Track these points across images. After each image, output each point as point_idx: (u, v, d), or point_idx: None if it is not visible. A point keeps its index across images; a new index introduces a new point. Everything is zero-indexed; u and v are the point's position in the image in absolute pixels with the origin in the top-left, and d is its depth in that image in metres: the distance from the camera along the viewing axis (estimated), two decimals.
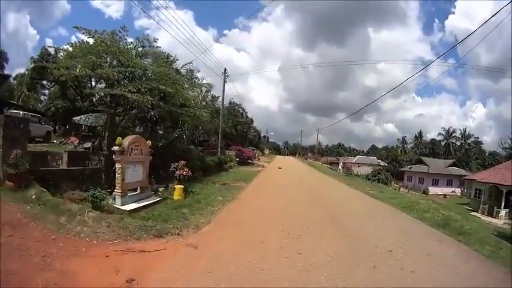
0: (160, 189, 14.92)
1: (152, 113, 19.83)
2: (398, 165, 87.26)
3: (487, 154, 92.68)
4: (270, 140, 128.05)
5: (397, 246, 9.81)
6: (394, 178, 63.18)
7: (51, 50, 28.61)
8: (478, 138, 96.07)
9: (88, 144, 20.61)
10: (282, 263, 8.03)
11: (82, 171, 13.35)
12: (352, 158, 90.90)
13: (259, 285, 6.79)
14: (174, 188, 14.11)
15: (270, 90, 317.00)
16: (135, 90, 14.87)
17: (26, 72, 33.55)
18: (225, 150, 39.67)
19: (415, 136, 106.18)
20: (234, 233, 10.26)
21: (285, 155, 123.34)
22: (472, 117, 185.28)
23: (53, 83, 32.92)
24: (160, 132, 23.20)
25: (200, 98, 32.51)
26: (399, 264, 8.23)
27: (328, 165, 72.35)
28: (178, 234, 9.38)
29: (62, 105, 32.96)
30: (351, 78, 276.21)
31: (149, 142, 13.49)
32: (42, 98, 44.53)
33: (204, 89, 33.80)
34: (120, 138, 11.71)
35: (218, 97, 44.34)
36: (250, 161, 46.62)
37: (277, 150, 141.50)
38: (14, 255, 6.65)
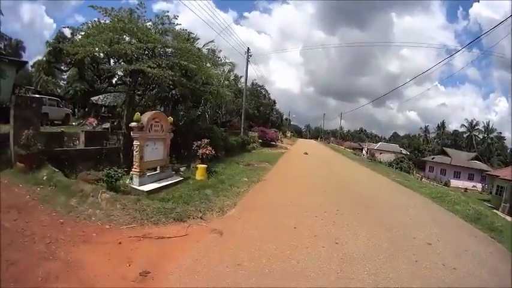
0: (182, 169, 13.99)
1: (174, 92, 18.84)
2: (420, 154, 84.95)
3: (508, 151, 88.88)
4: (291, 122, 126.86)
5: (434, 239, 8.90)
6: (416, 167, 61.46)
7: (67, 33, 27.86)
8: (500, 133, 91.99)
9: (107, 125, 19.98)
10: (319, 253, 7.01)
11: (99, 151, 12.58)
12: (374, 144, 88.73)
13: (298, 281, 5.73)
14: (197, 168, 13.22)
15: (292, 73, 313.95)
16: (155, 65, 13.89)
17: (44, 58, 33.02)
18: (247, 131, 38.73)
19: (438, 126, 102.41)
20: (262, 218, 9.23)
21: (306, 138, 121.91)
22: (495, 111, 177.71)
23: (71, 66, 32.31)
24: (182, 113, 22.27)
25: (223, 77, 31.39)
26: (440, 260, 7.32)
27: (351, 150, 70.74)
28: (201, 218, 8.37)
29: (80, 88, 32.49)
30: (373, 63, 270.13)
31: (170, 118, 12.50)
32: (61, 82, 44.42)
33: (226, 68, 32.62)
34: (139, 114, 10.69)
35: (241, 77, 43.18)
36: (273, 143, 45.45)
37: (298, 133, 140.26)
38: (17, 242, 5.81)
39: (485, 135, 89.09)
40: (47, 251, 5.69)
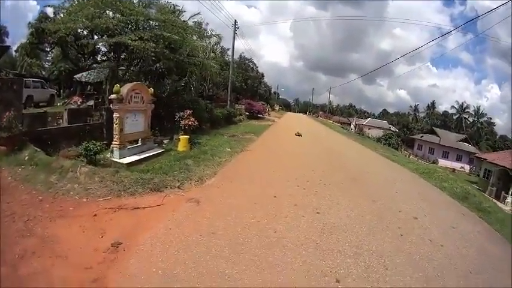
0: (165, 141, 13.76)
1: (158, 65, 18.24)
2: (409, 132, 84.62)
3: (497, 137, 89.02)
4: (280, 96, 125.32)
5: (421, 213, 8.78)
6: (404, 145, 61.46)
7: (50, 12, 26.62)
8: (490, 118, 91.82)
9: (91, 102, 19.47)
10: (298, 223, 6.94)
11: (82, 127, 12.25)
12: (363, 120, 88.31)
13: (273, 250, 5.66)
14: (179, 139, 12.95)
15: (281, 47, 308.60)
16: (137, 38, 13.42)
17: (27, 40, 31.70)
18: (234, 104, 38.17)
19: (428, 106, 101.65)
20: (242, 187, 9.11)
21: (295, 112, 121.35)
22: (486, 96, 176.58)
23: (54, 46, 31.10)
24: (167, 87, 21.72)
25: (209, 50, 30.49)
26: (427, 235, 7.22)
27: (340, 125, 70.54)
28: (178, 188, 8.22)
29: (64, 67, 31.49)
30: (365, 40, 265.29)
31: (151, 90, 12.09)
32: (45, 64, 42.92)
33: (213, 41, 31.69)
34: (118, 86, 10.36)
35: (228, 49, 42.06)
36: (261, 116, 45.01)
37: (287, 107, 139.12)
38: None
39: (475, 119, 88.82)
40: (25, 228, 5.55)
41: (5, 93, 9.30)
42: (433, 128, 72.23)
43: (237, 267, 5.05)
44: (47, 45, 32.24)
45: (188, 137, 13.10)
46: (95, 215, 6.25)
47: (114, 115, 10.27)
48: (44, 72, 40.00)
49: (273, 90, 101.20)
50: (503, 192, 25.95)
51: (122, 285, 4.39)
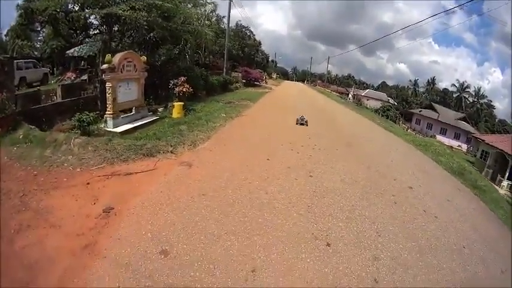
0: (160, 109, 13.61)
1: (151, 35, 17.67)
2: (407, 106, 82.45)
3: (496, 120, 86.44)
4: (278, 65, 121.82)
5: (416, 184, 8.66)
6: (402, 118, 60.23)
7: None
8: (491, 101, 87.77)
9: (85, 76, 19.09)
10: (290, 185, 6.91)
11: (76, 101, 12.03)
12: (362, 91, 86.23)
13: (263, 211, 5.65)
14: (173, 106, 12.79)
15: (279, 16, 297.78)
16: (129, 8, 12.96)
17: (16, 22, 30.63)
18: (231, 72, 37.42)
19: (428, 81, 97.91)
20: (235, 150, 9.06)
21: (293, 81, 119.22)
22: (488, 79, 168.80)
23: (44, 24, 30.09)
24: (161, 56, 21.17)
25: (204, 17, 29.49)
26: (421, 205, 7.14)
27: (338, 94, 69.26)
28: (171, 152, 8.16)
29: (56, 45, 30.47)
30: (366, 11, 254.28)
31: (144, 58, 11.83)
32: (37, 44, 41.76)
33: (208, 8, 30.54)
34: (110, 56, 10.10)
35: (224, 17, 40.64)
36: (258, 83, 44.03)
37: (285, 75, 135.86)
38: None
39: (476, 100, 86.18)
40: (20, 203, 5.53)
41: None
42: (432, 103, 70.29)
43: (226, 228, 5.07)
44: (37, 24, 31.20)
45: (182, 103, 12.91)
46: (88, 183, 6.21)
47: (106, 85, 10.08)
48: (36, 53, 39.04)
49: (270, 59, 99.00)
50: (499, 176, 25.54)
51: (112, 248, 4.43)
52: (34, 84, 21.09)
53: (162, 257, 4.36)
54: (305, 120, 14.47)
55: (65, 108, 11.33)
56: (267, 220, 5.39)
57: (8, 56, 28.76)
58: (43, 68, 24.71)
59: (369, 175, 8.52)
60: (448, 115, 61.07)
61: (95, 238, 4.65)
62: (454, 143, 53.60)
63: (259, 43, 70.46)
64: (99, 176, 6.48)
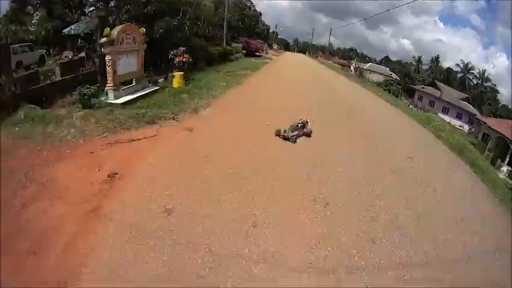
0: (160, 80, 13.38)
1: (149, 8, 17.23)
2: (410, 81, 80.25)
3: (500, 105, 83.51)
4: (279, 36, 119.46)
5: (416, 155, 8.46)
6: (404, 93, 58.63)
7: None
8: (495, 85, 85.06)
9: (83, 54, 18.79)
10: (290, 148, 7.03)
11: (75, 78, 11.87)
12: (364, 64, 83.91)
13: (262, 174, 5.70)
14: (174, 76, 12.48)
15: None
16: None
17: (8, 8, 29.92)
18: (231, 42, 36.67)
19: (432, 59, 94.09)
20: (236, 116, 9.04)
21: (294, 52, 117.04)
22: (493, 63, 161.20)
23: (38, 6, 29.46)
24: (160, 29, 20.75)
25: None
26: (419, 176, 7.06)
27: (340, 66, 67.76)
28: (173, 119, 8.13)
29: (51, 26, 29.95)
30: None
31: (143, 29, 11.52)
32: (32, 28, 41.11)
33: None
34: (108, 29, 9.84)
35: None
36: (258, 54, 43.07)
37: (286, 46, 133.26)
38: None
39: (480, 82, 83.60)
40: (25, 179, 5.49)
41: None
42: (435, 81, 68.32)
43: (227, 189, 5.10)
44: (30, 8, 30.59)
45: (182, 73, 12.72)
46: (92, 152, 6.20)
47: (106, 58, 9.92)
48: (30, 36, 38.52)
49: (271, 30, 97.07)
50: (499, 160, 24.93)
51: (117, 211, 4.45)
52: (31, 67, 20.89)
53: (166, 215, 4.39)
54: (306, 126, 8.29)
55: (65, 86, 11.19)
56: (267, 182, 5.41)
57: (2, 43, 28.54)
58: (39, 51, 24.38)
59: (369, 144, 8.45)
60: (451, 94, 59.33)
61: (100, 203, 4.67)
62: (456, 123, 52.45)
63: (260, 14, 68.79)
64: (102, 145, 6.45)
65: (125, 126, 7.34)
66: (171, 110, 8.59)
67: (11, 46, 18.68)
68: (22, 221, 4.40)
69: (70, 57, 17.99)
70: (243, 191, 5.09)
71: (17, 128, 7.82)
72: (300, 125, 7.85)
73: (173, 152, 6.15)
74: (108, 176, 5.24)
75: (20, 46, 21.53)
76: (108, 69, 9.83)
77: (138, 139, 6.65)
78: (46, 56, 24.78)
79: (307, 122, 7.99)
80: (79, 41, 24.66)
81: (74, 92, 9.28)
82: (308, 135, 7.80)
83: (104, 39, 9.66)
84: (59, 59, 20.20)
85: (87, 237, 4.08)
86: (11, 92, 8.84)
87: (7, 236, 4.10)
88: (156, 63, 14.59)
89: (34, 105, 8.98)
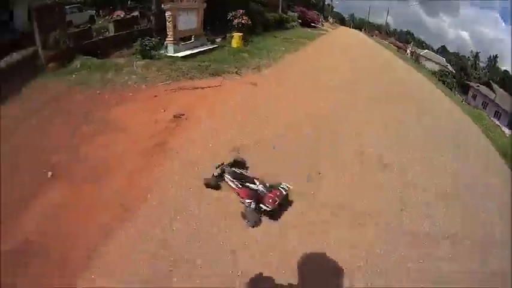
0: (218, 40, 13.63)
1: None
2: (466, 77, 74.96)
3: None
4: (334, 10, 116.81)
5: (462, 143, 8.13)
6: (459, 88, 54.95)
7: None
8: None
9: (136, 13, 19.44)
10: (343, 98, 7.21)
11: (130, 34, 12.34)
12: (420, 50, 79.62)
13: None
14: (232, 36, 12.87)
15: None
16: None
17: None
18: (286, 10, 36.35)
19: (490, 58, 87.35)
20: (298, 77, 9.17)
21: (349, 27, 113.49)
22: None
23: None
24: None
25: None
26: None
27: (395, 48, 64.94)
28: (236, 73, 8.39)
29: None
30: None
31: None
32: None
33: None
34: None
35: None
36: (313, 25, 42.45)
37: (341, 21, 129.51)
38: (54, 122, 6.00)
39: None
40: (84, 119, 5.93)
41: (47, 17, 9.48)
42: (491, 81, 63.29)
43: (288, 136, 5.43)
44: None
45: (242, 34, 12.91)
46: (155, 96, 6.57)
47: (166, 14, 10.35)
48: None
49: (326, 2, 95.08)
50: None
51: (183, 149, 4.79)
52: (81, 27, 21.96)
53: (234, 153, 4.68)
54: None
55: (119, 41, 11.71)
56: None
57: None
58: (88, 11, 25.57)
59: (424, 125, 8.24)
60: (506, 100, 55.17)
61: (166, 139, 5.00)
62: (507, 131, 48.45)
63: None
64: (165, 91, 6.81)
65: (188, 75, 7.67)
66: (233, 65, 8.84)
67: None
68: (81, 153, 4.81)
69: (122, 16, 18.70)
70: (299, 141, 5.35)
71: (73, 76, 8.38)
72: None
73: (238, 100, 6.41)
74: (174, 116, 5.56)
75: (69, 8, 22.57)
76: (169, 24, 10.25)
77: (202, 87, 6.93)
78: (95, 17, 25.92)
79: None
80: (129, 2, 25.55)
81: (133, 44, 9.77)
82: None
83: None
84: (110, 18, 21.06)
85: (151, 170, 4.40)
86: (66, 45, 9.39)
87: (65, 164, 4.56)
88: (213, 23, 14.84)
89: (90, 57, 9.54)
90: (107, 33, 13.68)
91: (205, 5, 11.87)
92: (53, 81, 8.22)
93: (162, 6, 10.26)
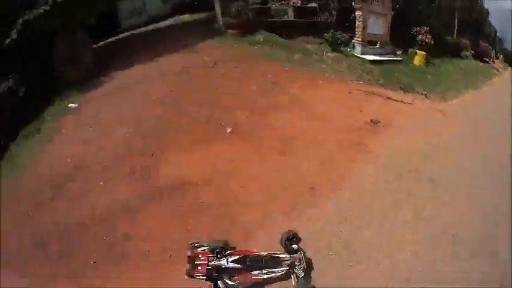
0: (398, 52, 13.40)
1: None
2: None
3: None
4: (503, 46, 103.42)
5: None
6: None
7: None
8: None
9: (313, 4, 19.93)
10: None
11: (310, 23, 12.82)
12: None
13: None
14: (415, 53, 12.45)
15: None
16: None
17: None
18: (459, 37, 33.78)
19: None
20: (484, 117, 8.29)
21: None
22: None
23: None
24: None
25: None
26: None
27: None
28: (425, 96, 8.27)
29: None
30: None
31: None
32: None
33: None
34: None
35: None
36: (486, 60, 38.48)
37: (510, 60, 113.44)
38: (242, 82, 6.79)
39: None
40: (272, 88, 6.51)
41: None
42: None
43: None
44: None
45: (425, 53, 12.48)
46: (349, 92, 6.81)
47: (356, 13, 10.73)
48: None
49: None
50: None
51: (378, 152, 5.01)
52: (256, 6, 23.15)
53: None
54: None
55: (299, 27, 12.16)
56: None
57: None
58: None
59: None
60: None
61: (364, 140, 5.23)
62: None
63: (488, 12, 60.21)
64: (358, 90, 7.05)
65: (380, 82, 7.87)
66: (420, 86, 8.77)
67: None
68: (268, 120, 5.40)
69: (299, 4, 19.33)
70: None
71: (256, 47, 9.08)
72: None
73: (427, 123, 6.42)
74: (371, 120, 5.77)
75: None
76: (358, 23, 10.58)
77: (395, 100, 7.04)
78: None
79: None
80: None
81: (322, 35, 10.32)
82: None
83: None
84: (287, 3, 21.92)
85: (346, 164, 4.71)
86: (247, 17, 10.21)
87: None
88: (396, 34, 14.61)
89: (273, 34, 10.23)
90: (286, 16, 14.32)
91: (392, 13, 11.81)
92: (233, 47, 9.03)
93: (353, 4, 10.72)
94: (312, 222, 3.78)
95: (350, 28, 11.13)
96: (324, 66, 8.22)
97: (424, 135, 5.92)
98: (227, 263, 3.40)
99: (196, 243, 3.62)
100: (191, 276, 3.40)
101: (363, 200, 4.12)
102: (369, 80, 7.76)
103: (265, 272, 3.39)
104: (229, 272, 3.38)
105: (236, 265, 3.39)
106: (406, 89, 7.93)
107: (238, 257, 3.43)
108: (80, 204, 4.51)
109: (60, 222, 4.30)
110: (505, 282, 3.47)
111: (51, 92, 7.28)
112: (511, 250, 4.09)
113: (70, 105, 6.96)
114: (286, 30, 11.56)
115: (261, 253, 3.47)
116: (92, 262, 3.58)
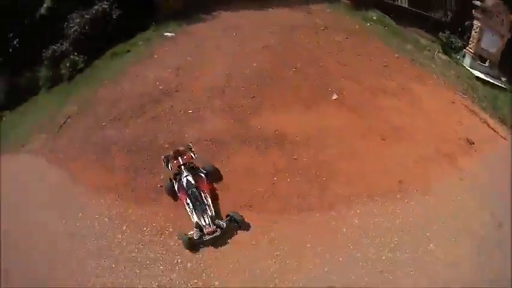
0: (503, 79, 12.83)
1: None
2: None
3: None
4: None
5: None
6: None
7: None
8: None
9: None
10: None
11: (425, 16, 12.36)
12: None
13: None
14: None
15: None
16: None
17: None
18: None
19: None
20: None
21: None
22: None
23: None
24: None
25: None
26: None
27: None
28: None
29: None
30: None
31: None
32: None
33: None
34: None
35: None
36: None
37: None
38: (354, 52, 7.05)
39: None
40: (382, 72, 6.60)
41: None
42: None
43: None
44: None
45: None
46: (453, 102, 6.90)
47: (474, 22, 10.19)
48: None
49: None
50: None
51: (470, 169, 5.23)
52: None
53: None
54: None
55: (413, 16, 11.62)
56: None
57: None
58: None
59: None
60: None
61: (455, 155, 5.43)
62: None
63: None
64: (462, 104, 7.06)
65: (483, 105, 7.69)
66: None
67: None
68: (377, 101, 5.69)
69: None
70: None
71: (368, 24, 9.09)
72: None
73: None
74: (467, 140, 5.88)
75: None
76: (474, 34, 10.13)
77: (492, 128, 6.88)
78: None
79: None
80: None
81: (440, 34, 10.08)
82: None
83: (478, 3, 9.83)
84: None
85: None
86: None
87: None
88: (503, 58, 13.88)
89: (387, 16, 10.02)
90: (398, 1, 13.84)
91: (510, 34, 11.22)
92: (345, 18, 9.07)
93: (473, 12, 10.10)
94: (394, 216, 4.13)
95: (462, 35, 10.85)
96: (434, 66, 8.22)
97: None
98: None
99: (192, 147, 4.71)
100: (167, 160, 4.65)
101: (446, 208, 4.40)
102: (473, 97, 7.70)
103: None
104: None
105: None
106: (505, 120, 7.72)
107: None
108: (160, 127, 4.92)
109: (130, 139, 4.68)
110: None
111: (147, 18, 7.75)
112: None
113: (166, 33, 7.37)
114: (398, 16, 11.35)
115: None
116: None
